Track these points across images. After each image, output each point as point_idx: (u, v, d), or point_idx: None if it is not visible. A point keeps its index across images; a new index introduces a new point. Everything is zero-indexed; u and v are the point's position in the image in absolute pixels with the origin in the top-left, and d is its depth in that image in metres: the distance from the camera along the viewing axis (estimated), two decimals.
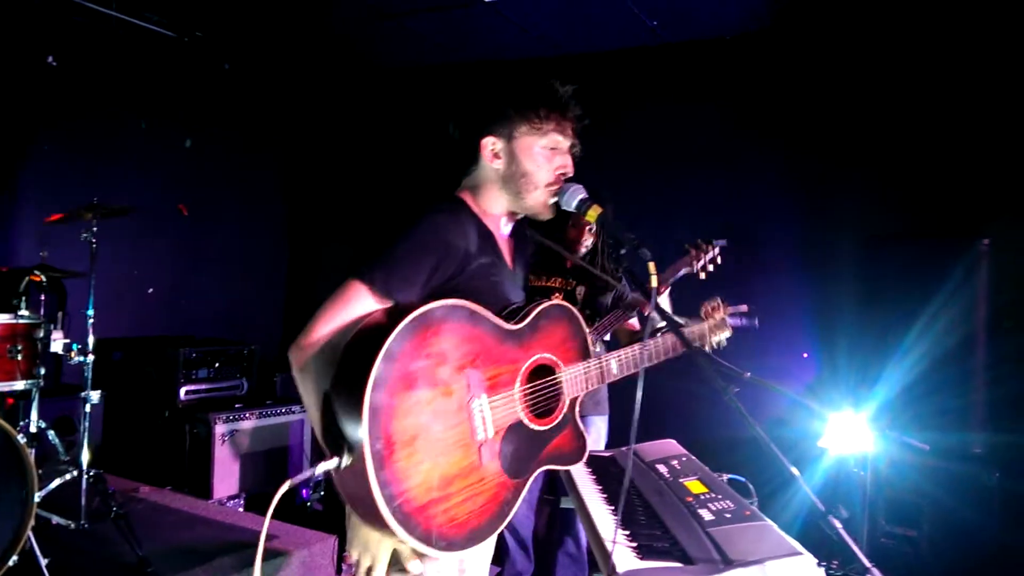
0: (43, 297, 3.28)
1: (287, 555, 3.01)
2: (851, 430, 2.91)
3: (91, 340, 3.11)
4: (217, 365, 4.40)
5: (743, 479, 2.12)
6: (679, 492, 1.71)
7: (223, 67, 4.99)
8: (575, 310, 1.60)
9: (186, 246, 4.98)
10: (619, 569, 1.32)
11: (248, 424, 4.18)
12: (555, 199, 1.56)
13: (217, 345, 4.47)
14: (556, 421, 1.51)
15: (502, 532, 1.68)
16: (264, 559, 2.92)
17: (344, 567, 1.42)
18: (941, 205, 3.54)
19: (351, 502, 1.29)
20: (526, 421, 1.44)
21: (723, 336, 2.07)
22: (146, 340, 4.59)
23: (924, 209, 3.59)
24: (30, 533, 2.60)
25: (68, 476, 3.00)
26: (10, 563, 2.55)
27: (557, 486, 3.11)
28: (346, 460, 1.19)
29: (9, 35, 3.93)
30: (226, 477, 4.05)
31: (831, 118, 3.84)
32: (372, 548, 1.34)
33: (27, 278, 3.07)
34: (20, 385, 2.95)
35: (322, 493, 4.33)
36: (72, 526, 3.00)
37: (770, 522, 1.47)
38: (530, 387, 1.46)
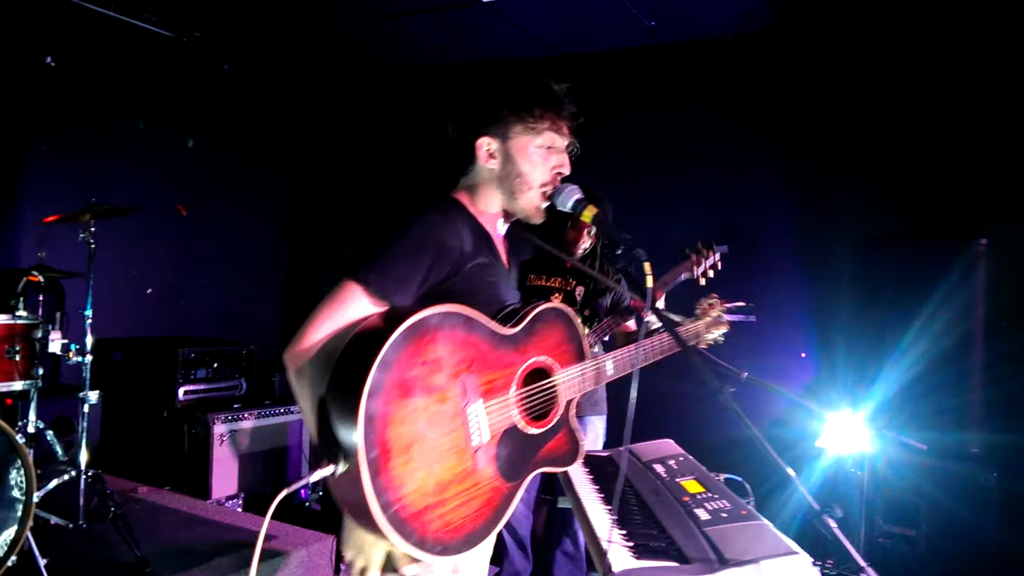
0: (41, 297, 3.28)
1: (285, 555, 3.01)
2: (849, 430, 2.92)
3: (89, 340, 3.11)
4: (216, 365, 4.40)
5: (739, 479, 2.13)
6: (676, 492, 1.71)
7: (222, 67, 5.00)
8: (571, 312, 1.60)
9: (185, 246, 4.98)
10: (615, 568, 1.32)
11: (247, 424, 4.18)
12: (547, 203, 1.56)
13: (216, 345, 4.47)
14: (551, 424, 1.51)
15: (500, 532, 1.68)
16: (262, 559, 2.95)
17: (342, 567, 1.42)
18: (939, 205, 3.54)
19: (346, 508, 1.29)
20: (522, 425, 1.44)
21: (719, 333, 2.07)
22: (145, 340, 4.60)
23: (922, 209, 3.60)
24: (28, 533, 2.60)
25: (66, 476, 3.00)
26: (9, 563, 2.55)
27: (555, 486, 3.12)
28: (341, 467, 1.19)
29: (7, 35, 3.93)
30: (225, 477, 4.05)
31: (829, 118, 3.85)
32: (366, 550, 1.34)
33: (25, 279, 3.07)
34: (18, 385, 2.95)
35: (320, 493, 4.33)
36: (70, 526, 3.00)
37: (766, 521, 1.47)
38: (526, 391, 1.46)
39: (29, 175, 4.13)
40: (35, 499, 2.65)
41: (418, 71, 5.16)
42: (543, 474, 1.61)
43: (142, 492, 3.77)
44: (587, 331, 2.90)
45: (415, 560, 1.33)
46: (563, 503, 1.96)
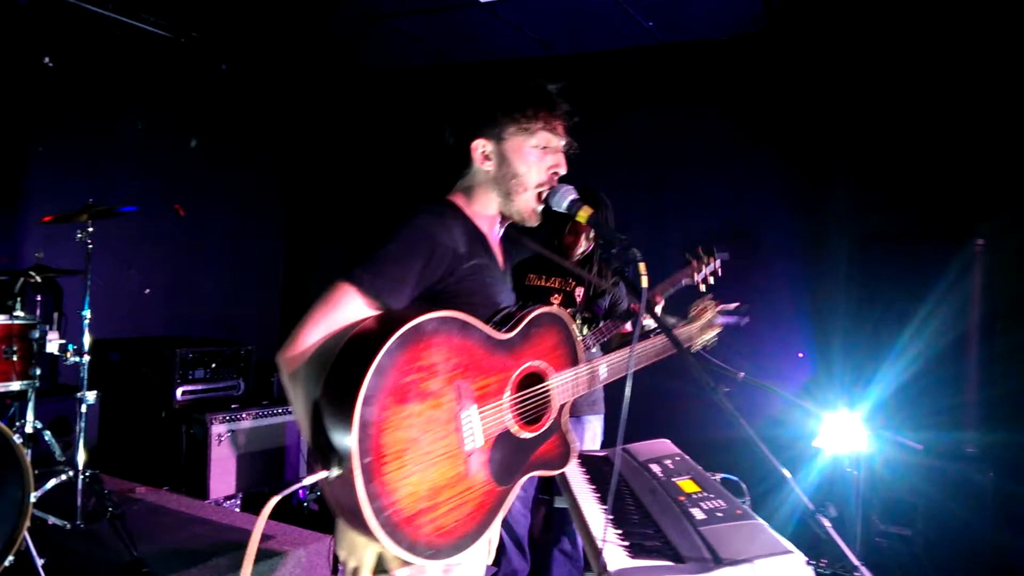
0: (39, 298, 3.29)
1: (283, 555, 3.01)
2: (845, 430, 2.92)
3: (87, 341, 3.12)
4: (214, 365, 4.40)
5: (735, 478, 2.13)
6: (672, 491, 1.72)
7: (220, 68, 5.00)
8: (566, 316, 1.60)
9: (183, 246, 4.98)
10: (610, 568, 1.32)
11: (245, 424, 4.18)
12: (543, 206, 1.57)
13: (214, 345, 4.47)
14: (544, 428, 1.51)
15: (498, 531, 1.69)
16: (260, 559, 2.95)
17: (339, 568, 1.42)
18: (936, 205, 3.55)
19: (339, 511, 1.29)
20: (515, 429, 1.44)
21: (712, 335, 2.08)
22: (143, 340, 4.60)
23: (919, 209, 3.61)
24: (26, 533, 2.60)
25: (64, 477, 3.01)
26: (6, 563, 2.55)
27: (553, 485, 3.12)
28: (335, 471, 1.19)
29: (5, 36, 3.93)
30: (223, 477, 4.05)
31: (826, 118, 3.86)
32: (358, 552, 1.34)
33: (22, 279, 3.07)
34: (16, 386, 2.96)
35: (318, 494, 4.33)
36: (68, 526, 3.01)
37: (761, 521, 1.47)
38: (520, 396, 1.46)
39: (27, 175, 4.13)
40: (32, 499, 2.65)
41: (416, 72, 5.17)
42: (559, 473, 1.62)
43: (140, 492, 3.77)
44: (587, 333, 2.91)
45: (407, 563, 1.33)
46: (559, 503, 1.97)
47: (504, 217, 1.62)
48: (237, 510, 4.01)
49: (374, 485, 1.17)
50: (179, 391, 4.21)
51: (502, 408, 1.42)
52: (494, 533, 1.67)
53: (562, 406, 1.57)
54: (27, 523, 2.60)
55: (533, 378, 1.51)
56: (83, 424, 3.06)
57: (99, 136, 4.45)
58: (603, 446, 3.05)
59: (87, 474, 3.03)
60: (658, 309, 2.61)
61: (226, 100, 5.14)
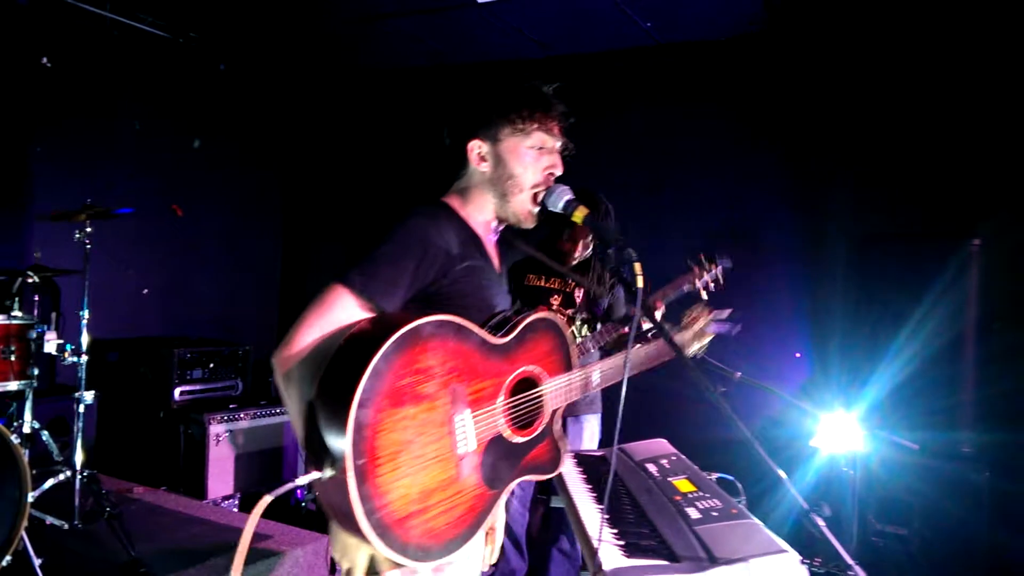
0: (37, 298, 3.29)
1: (281, 555, 3.02)
2: (842, 430, 2.93)
3: (85, 340, 3.12)
4: (212, 366, 4.40)
5: (731, 478, 2.14)
6: (667, 491, 1.73)
7: (218, 68, 5.00)
8: (562, 321, 1.61)
9: (181, 247, 4.98)
10: (605, 567, 1.33)
11: (243, 424, 4.18)
12: (539, 207, 1.57)
13: (212, 346, 4.47)
14: (536, 433, 1.52)
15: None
16: (258, 559, 2.96)
17: (337, 568, 1.43)
18: (933, 206, 3.56)
19: (331, 512, 1.30)
20: (507, 434, 1.45)
21: (704, 343, 2.08)
22: (141, 341, 4.60)
23: (916, 210, 3.62)
24: (24, 533, 2.60)
25: (62, 477, 3.01)
26: (4, 563, 2.55)
27: (551, 486, 3.13)
28: (328, 472, 1.20)
29: (3, 36, 3.93)
30: (221, 477, 4.05)
31: (824, 119, 3.86)
32: (351, 554, 1.35)
33: (20, 279, 3.07)
34: (13, 386, 2.96)
35: (317, 494, 4.33)
36: (66, 526, 3.01)
37: (756, 520, 1.48)
38: (513, 400, 1.47)
39: (25, 176, 4.13)
40: (30, 499, 2.65)
41: (415, 73, 5.17)
42: (548, 478, 1.62)
43: (138, 492, 3.77)
44: (587, 335, 2.92)
45: (398, 564, 1.34)
46: (556, 503, 1.97)
47: (500, 219, 1.62)
48: (235, 510, 4.01)
49: (367, 487, 1.18)
50: (177, 391, 4.21)
51: (495, 412, 1.42)
52: (500, 536, 1.69)
53: (554, 411, 1.57)
54: (25, 523, 2.60)
55: (527, 383, 1.52)
56: (81, 424, 3.07)
57: (97, 136, 4.45)
58: (601, 445, 3.06)
59: (85, 474, 3.03)
60: (658, 315, 2.61)
61: (224, 100, 5.14)
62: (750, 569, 1.28)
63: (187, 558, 2.91)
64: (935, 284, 3.13)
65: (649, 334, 1.90)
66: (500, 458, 1.43)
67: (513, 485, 1.48)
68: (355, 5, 4.09)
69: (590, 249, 2.97)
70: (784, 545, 1.33)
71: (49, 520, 3.04)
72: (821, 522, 1.28)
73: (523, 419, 1.50)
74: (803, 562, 1.27)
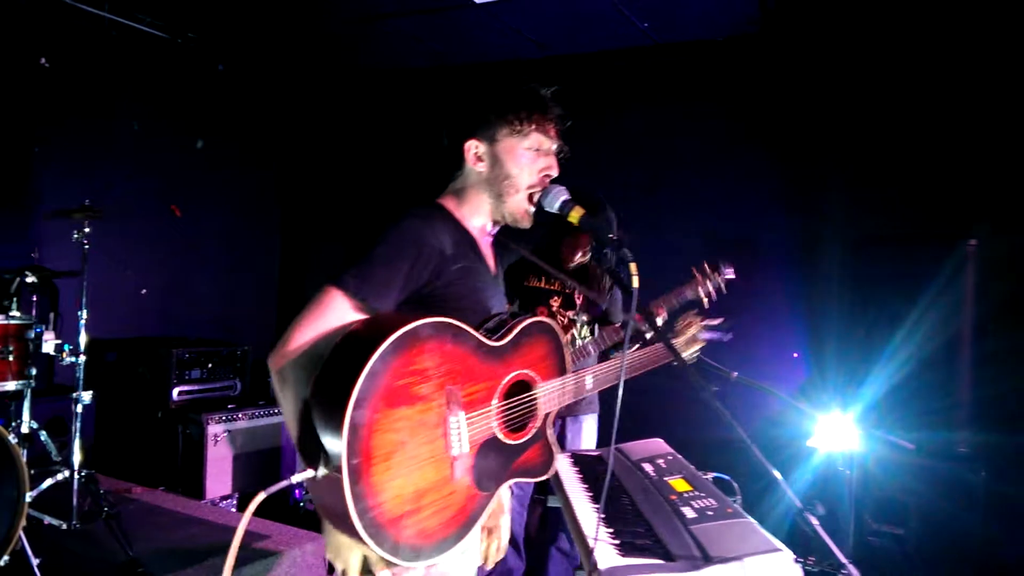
0: (35, 298, 3.29)
1: (278, 555, 3.02)
2: (839, 430, 2.94)
3: (83, 341, 3.12)
4: (210, 366, 4.41)
5: (727, 477, 2.15)
6: (663, 490, 1.73)
7: (216, 68, 5.00)
8: (557, 326, 1.62)
9: (179, 247, 4.98)
10: (600, 566, 1.34)
11: (241, 424, 4.19)
12: (535, 208, 1.58)
13: (210, 346, 4.48)
14: (528, 436, 1.53)
15: None
16: (256, 558, 2.96)
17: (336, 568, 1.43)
18: (929, 207, 3.57)
19: (325, 511, 1.31)
20: (500, 436, 1.46)
21: (695, 349, 2.09)
22: (139, 341, 4.60)
23: (912, 211, 3.62)
24: (22, 533, 2.61)
25: (60, 476, 3.01)
26: (1, 563, 2.56)
27: (549, 486, 3.14)
28: (322, 472, 1.20)
29: (1, 37, 3.93)
30: (219, 477, 4.06)
31: (820, 120, 3.87)
32: (343, 554, 1.36)
33: (18, 279, 3.08)
34: (11, 386, 2.96)
35: (310, 493, 4.34)
36: (64, 526, 3.01)
37: (751, 519, 1.49)
38: (506, 403, 1.48)
39: (23, 176, 4.13)
40: (28, 499, 2.65)
41: (413, 73, 5.18)
42: (540, 480, 1.63)
43: (136, 492, 3.78)
44: (587, 337, 2.93)
45: (389, 564, 1.35)
46: (553, 502, 1.98)
47: (496, 220, 1.63)
48: (233, 510, 4.01)
49: (361, 486, 1.19)
50: (175, 391, 4.21)
51: (489, 415, 1.43)
52: (505, 533, 1.70)
53: (547, 415, 1.58)
54: (23, 523, 2.60)
55: (521, 386, 1.53)
56: (79, 424, 3.07)
57: (95, 137, 4.45)
58: (598, 445, 3.07)
59: (83, 474, 3.03)
60: (659, 321, 2.61)
61: (223, 101, 5.14)
62: (745, 568, 1.29)
63: (185, 558, 2.91)
64: (931, 285, 3.14)
65: (646, 335, 1.91)
66: (493, 460, 1.43)
67: (506, 487, 1.48)
68: (355, 5, 4.10)
69: (589, 256, 2.97)
70: (778, 544, 1.34)
71: (47, 520, 3.04)
72: (815, 521, 1.29)
73: (516, 422, 1.51)
74: (797, 561, 1.28)
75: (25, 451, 2.93)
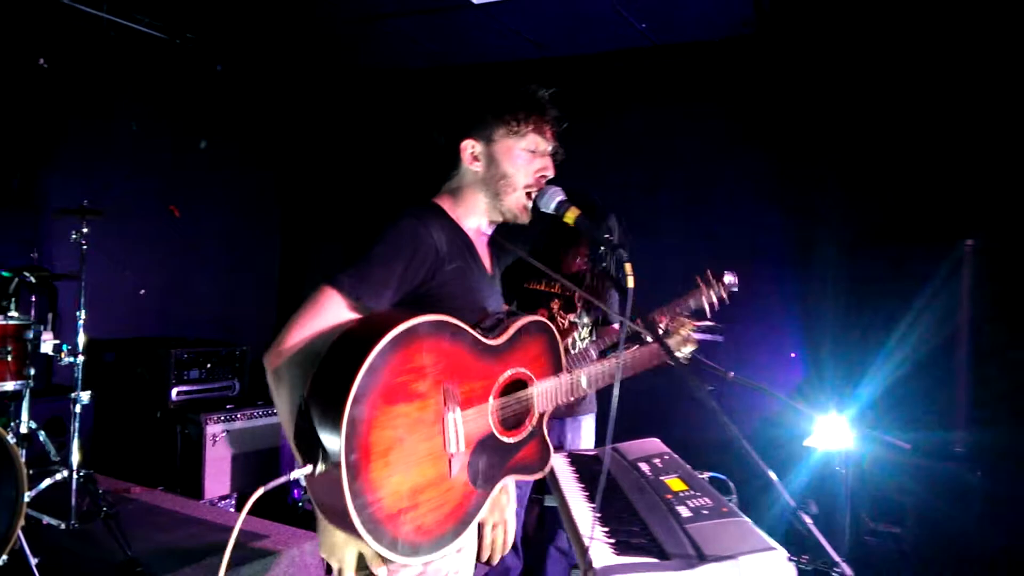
0: (33, 298, 3.30)
1: (277, 554, 3.03)
2: (836, 430, 2.95)
3: (81, 341, 3.13)
4: (209, 366, 4.41)
5: (723, 477, 2.15)
6: (659, 489, 1.74)
7: (215, 69, 5.01)
8: (552, 326, 1.64)
9: (178, 247, 4.98)
10: (595, 564, 1.34)
11: (239, 425, 4.19)
12: (532, 203, 1.59)
13: (209, 346, 4.48)
14: (524, 434, 1.54)
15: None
16: (254, 558, 2.97)
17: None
18: (925, 207, 3.57)
19: (322, 508, 1.31)
20: (496, 433, 1.47)
21: (688, 350, 2.10)
22: (138, 341, 4.60)
23: (908, 211, 3.63)
24: (20, 533, 2.61)
25: (58, 476, 3.02)
26: (0, 563, 2.56)
27: (547, 486, 3.14)
28: (320, 467, 1.21)
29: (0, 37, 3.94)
30: (217, 477, 4.06)
31: (817, 121, 3.88)
32: (338, 552, 1.37)
33: (17, 279, 3.08)
34: (10, 386, 2.97)
35: (307, 490, 4.34)
36: (62, 526, 3.02)
37: (746, 518, 1.49)
38: (503, 401, 1.49)
39: (21, 177, 4.14)
40: (26, 499, 2.66)
41: (412, 74, 5.18)
42: (536, 478, 1.64)
43: (135, 492, 3.78)
44: (588, 340, 2.93)
45: (385, 561, 1.35)
46: (549, 502, 1.99)
47: (493, 219, 1.64)
48: (232, 510, 4.02)
49: (359, 482, 1.19)
50: (174, 391, 4.22)
51: (485, 412, 1.44)
52: (512, 527, 1.70)
53: (542, 413, 1.59)
54: (21, 522, 2.61)
55: (517, 384, 1.54)
56: (77, 424, 3.08)
57: (94, 137, 4.45)
58: (596, 444, 3.07)
59: (81, 474, 3.04)
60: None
61: (222, 101, 5.15)
62: (739, 566, 1.29)
63: (184, 558, 2.92)
64: (928, 285, 3.15)
65: (644, 337, 1.92)
66: (489, 457, 1.44)
67: (502, 484, 1.49)
68: (355, 5, 4.10)
69: (588, 262, 2.97)
70: (772, 543, 1.34)
71: (46, 520, 3.05)
72: (808, 519, 1.30)
73: (512, 420, 1.52)
74: (791, 559, 1.28)
75: (24, 451, 2.94)
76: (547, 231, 2.76)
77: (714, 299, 2.58)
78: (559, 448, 2.86)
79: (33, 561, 2.63)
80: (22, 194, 4.12)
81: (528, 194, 1.58)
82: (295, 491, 4.26)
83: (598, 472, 1.94)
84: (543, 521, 3.43)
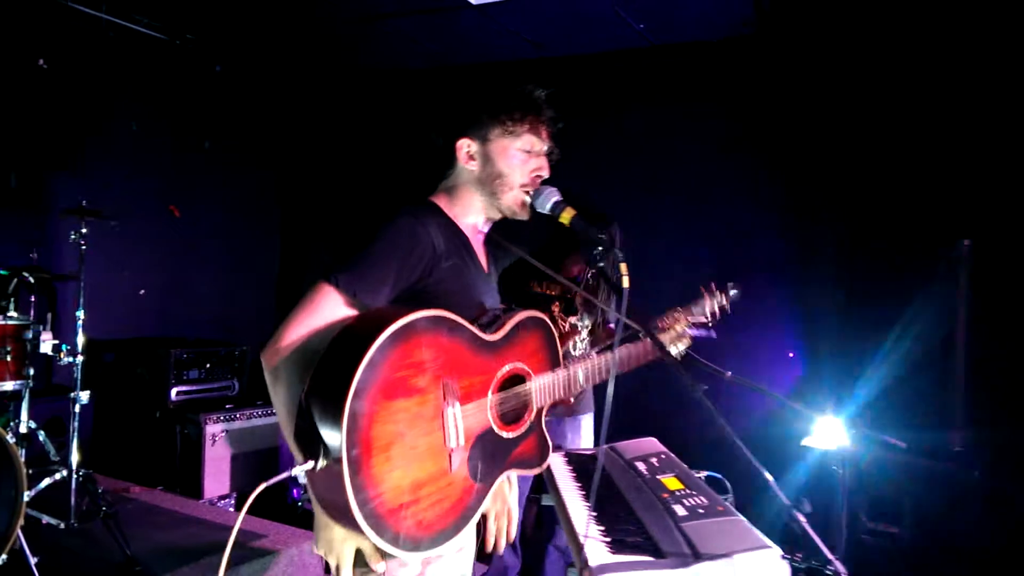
0: (33, 298, 3.30)
1: (276, 553, 3.03)
2: (834, 429, 2.95)
3: (80, 341, 3.14)
4: (208, 366, 4.42)
5: (719, 476, 2.16)
6: (656, 488, 1.74)
7: (214, 69, 5.01)
8: (550, 321, 1.64)
9: (178, 247, 4.99)
10: (591, 563, 1.35)
11: (239, 424, 4.20)
12: (529, 199, 1.60)
13: (208, 346, 4.49)
14: (523, 429, 1.55)
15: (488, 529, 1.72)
16: (253, 557, 2.97)
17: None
18: (924, 207, 3.58)
19: (322, 503, 1.32)
20: (495, 428, 1.48)
21: (682, 347, 2.11)
22: (138, 341, 4.61)
23: (907, 210, 3.63)
24: (20, 532, 2.62)
25: (58, 476, 3.02)
26: (0, 562, 2.57)
27: (545, 485, 3.15)
28: (321, 463, 1.21)
29: None
30: (217, 477, 4.07)
31: (815, 121, 3.88)
32: (336, 549, 1.37)
33: (16, 279, 3.09)
34: (9, 386, 2.98)
35: (308, 487, 4.34)
36: (62, 526, 3.03)
37: (741, 517, 1.50)
38: (501, 396, 1.50)
39: (20, 177, 4.15)
40: (26, 498, 2.67)
41: (412, 74, 5.19)
42: (535, 473, 1.65)
43: (134, 492, 3.79)
44: (587, 340, 2.93)
45: (385, 557, 1.36)
46: (546, 500, 1.99)
47: (490, 216, 1.64)
48: (231, 509, 4.03)
49: (360, 477, 1.20)
50: (173, 391, 4.23)
51: (484, 407, 1.45)
52: (516, 515, 1.72)
53: (540, 408, 1.60)
54: (21, 522, 2.61)
55: (515, 379, 1.55)
56: (76, 424, 3.09)
57: (94, 137, 4.46)
58: (596, 443, 3.08)
59: (81, 473, 3.05)
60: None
61: (222, 101, 5.15)
62: (733, 564, 1.30)
63: (183, 557, 2.93)
64: (926, 284, 3.16)
65: (640, 336, 1.92)
66: (489, 452, 1.45)
67: (502, 479, 1.50)
68: (355, 5, 4.11)
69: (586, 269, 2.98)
70: (767, 541, 1.35)
71: (45, 519, 3.06)
72: (802, 518, 1.30)
73: (511, 415, 1.53)
74: (784, 557, 1.29)
75: (23, 451, 2.95)
76: (546, 239, 2.77)
77: (716, 309, 2.60)
78: (558, 448, 2.87)
79: (32, 560, 2.64)
80: (22, 194, 4.13)
81: (525, 192, 1.59)
82: (294, 490, 4.26)
83: (594, 471, 1.95)
84: (541, 520, 3.44)
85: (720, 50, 4.15)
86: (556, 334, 1.65)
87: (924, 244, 3.39)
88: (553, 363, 1.64)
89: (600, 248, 1.51)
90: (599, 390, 3.07)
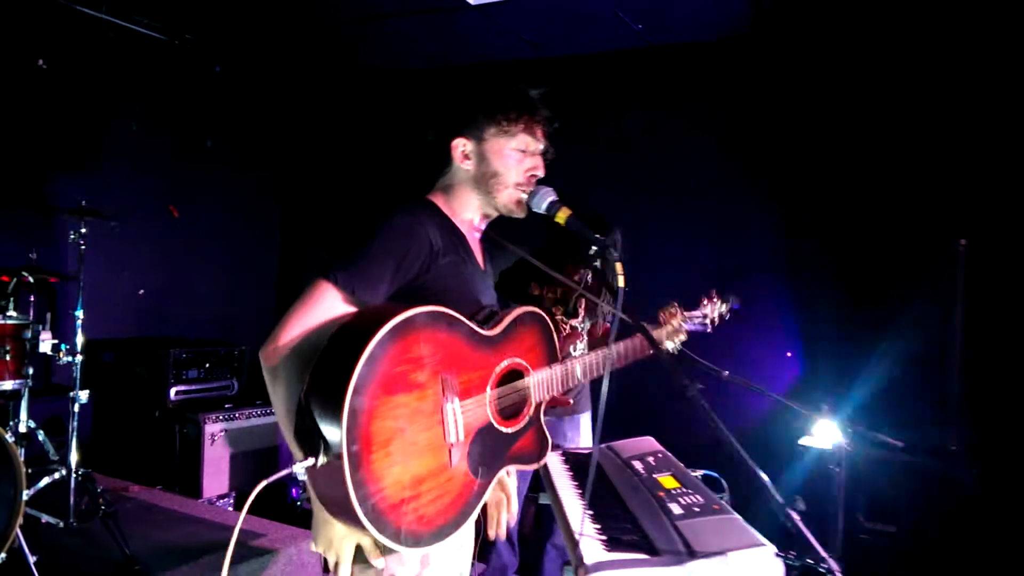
0: (32, 298, 3.31)
1: (275, 553, 3.04)
2: (831, 428, 2.95)
3: (80, 341, 3.14)
4: (207, 365, 4.43)
5: (716, 475, 2.17)
6: (652, 487, 1.75)
7: (214, 69, 5.02)
8: (547, 317, 1.65)
9: (178, 247, 5.00)
10: (586, 560, 1.35)
11: (238, 424, 4.21)
12: (526, 197, 1.60)
13: (208, 346, 4.50)
14: (522, 423, 1.56)
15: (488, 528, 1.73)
16: (252, 556, 2.98)
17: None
18: (921, 206, 3.58)
19: (323, 500, 1.32)
20: (494, 423, 1.48)
21: (679, 341, 2.12)
22: (137, 341, 4.62)
23: (904, 209, 3.64)
24: (19, 531, 2.63)
25: (57, 475, 3.03)
26: None
27: (543, 484, 3.15)
28: (322, 460, 1.22)
29: None
30: (216, 476, 4.07)
31: (811, 120, 3.89)
32: (336, 545, 1.37)
33: (15, 279, 3.10)
34: (9, 385, 2.99)
35: (307, 484, 4.35)
36: (61, 525, 3.03)
37: (736, 515, 1.51)
38: (500, 391, 1.51)
39: (20, 177, 4.15)
40: (25, 497, 2.67)
41: (411, 74, 5.20)
42: (533, 471, 1.66)
43: (133, 491, 3.80)
44: (586, 338, 2.94)
45: (384, 553, 1.36)
46: (544, 499, 2.00)
47: (486, 215, 1.65)
48: (230, 509, 4.03)
49: (360, 473, 1.20)
50: (173, 391, 4.23)
51: (483, 402, 1.46)
52: (515, 505, 1.72)
53: (539, 403, 1.61)
54: (20, 521, 2.62)
55: (513, 375, 1.55)
56: (75, 423, 3.09)
57: (93, 137, 4.47)
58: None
59: (80, 473, 3.05)
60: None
61: (221, 101, 5.16)
62: (728, 562, 1.31)
63: (182, 556, 2.93)
64: (923, 284, 3.17)
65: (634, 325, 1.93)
66: (488, 447, 1.46)
67: (501, 473, 1.51)
68: (355, 5, 4.12)
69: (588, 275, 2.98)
70: (761, 539, 1.36)
71: (44, 518, 3.07)
72: (796, 516, 1.31)
73: (510, 410, 1.54)
74: (778, 555, 1.29)
75: (23, 450, 2.95)
76: (544, 244, 2.78)
77: (715, 316, 2.61)
78: (557, 447, 2.87)
79: (32, 559, 2.64)
80: (22, 194, 4.14)
81: (521, 191, 1.60)
82: (293, 490, 4.27)
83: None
84: (540, 519, 3.45)
85: (718, 50, 4.16)
86: (554, 329, 1.66)
87: (921, 244, 3.40)
88: (551, 358, 1.65)
89: (595, 248, 1.52)
90: (598, 389, 3.08)
